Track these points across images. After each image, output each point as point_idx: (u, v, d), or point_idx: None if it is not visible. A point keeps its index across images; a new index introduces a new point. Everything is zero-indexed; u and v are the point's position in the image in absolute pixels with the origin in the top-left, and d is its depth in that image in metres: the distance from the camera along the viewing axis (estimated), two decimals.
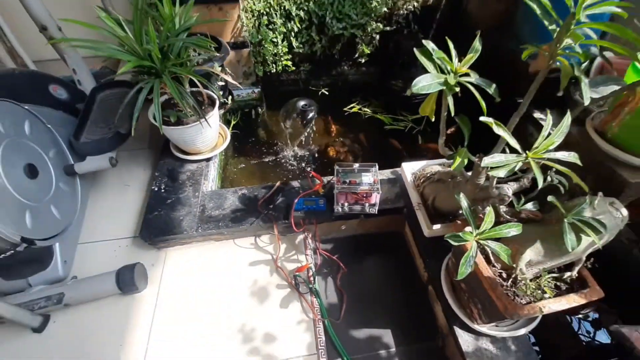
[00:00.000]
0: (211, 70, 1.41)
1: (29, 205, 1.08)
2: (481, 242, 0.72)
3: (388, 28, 2.03)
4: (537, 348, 1.17)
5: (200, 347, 1.12)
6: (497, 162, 0.62)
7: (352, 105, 2.18)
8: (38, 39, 1.66)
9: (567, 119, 0.65)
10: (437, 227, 1.13)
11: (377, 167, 1.31)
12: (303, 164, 1.84)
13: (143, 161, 1.69)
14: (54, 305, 1.13)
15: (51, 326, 1.16)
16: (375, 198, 1.30)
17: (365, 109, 2.15)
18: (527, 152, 0.64)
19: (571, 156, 0.65)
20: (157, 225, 1.30)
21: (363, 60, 2.17)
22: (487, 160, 0.64)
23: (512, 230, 0.72)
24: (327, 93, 2.29)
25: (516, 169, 0.65)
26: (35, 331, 1.13)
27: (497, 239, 0.78)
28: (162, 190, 1.42)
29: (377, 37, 2.06)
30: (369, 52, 2.10)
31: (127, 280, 1.16)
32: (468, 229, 0.76)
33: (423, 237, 1.22)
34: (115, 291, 1.18)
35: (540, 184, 0.64)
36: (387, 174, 1.49)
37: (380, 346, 1.19)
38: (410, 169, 1.32)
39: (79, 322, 1.17)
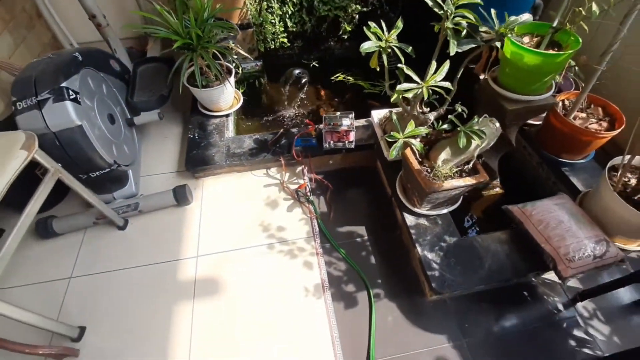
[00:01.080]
0: (228, 46, 1.89)
1: (113, 141, 1.58)
2: (405, 140, 1.24)
3: (365, 9, 2.49)
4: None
5: (233, 236, 1.65)
6: (405, 87, 1.13)
7: (337, 75, 2.65)
8: (79, 25, 2.16)
9: (446, 64, 1.15)
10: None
11: (353, 114, 1.82)
12: (299, 120, 2.33)
13: (174, 119, 2.18)
14: (132, 211, 1.65)
15: (130, 227, 1.68)
16: (352, 136, 1.82)
17: (349, 77, 2.63)
18: (422, 82, 1.15)
19: (446, 84, 1.15)
20: (197, 160, 1.81)
21: (346, 37, 2.63)
22: (398, 87, 1.14)
23: (422, 128, 1.24)
24: (317, 65, 2.75)
25: (417, 93, 1.15)
26: (119, 229, 1.66)
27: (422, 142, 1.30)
28: (197, 137, 1.92)
29: (357, 16, 2.52)
30: (350, 29, 2.56)
31: (181, 194, 1.68)
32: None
33: (386, 161, 1.74)
34: (172, 203, 1.70)
35: (426, 97, 1.15)
36: (362, 122, 1.99)
37: (357, 236, 1.73)
38: (377, 114, 1.83)
39: (148, 224, 1.69)
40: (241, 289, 1.48)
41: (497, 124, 1.34)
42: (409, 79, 1.19)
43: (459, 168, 1.41)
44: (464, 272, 1.39)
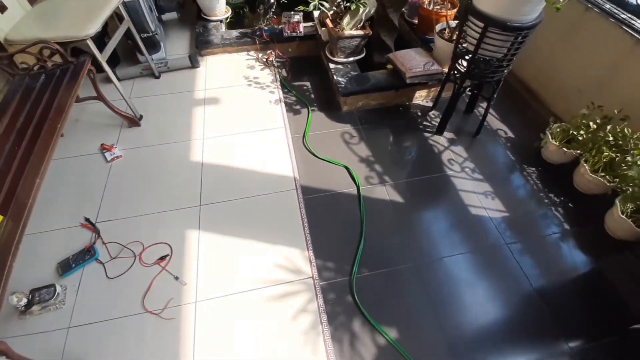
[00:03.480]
0: None
1: (153, 21, 2.60)
2: (318, 4, 2.29)
3: None
4: None
5: (226, 81, 2.69)
6: None
7: (299, 6, 3.69)
8: None
9: None
10: (323, 29, 2.72)
11: (302, 13, 2.87)
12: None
13: (184, 29, 3.21)
14: (164, 67, 2.68)
15: (161, 78, 2.71)
16: (301, 27, 2.87)
17: (307, 8, 3.68)
18: None
19: None
20: (203, 42, 2.84)
21: None
22: None
23: (325, 3, 2.29)
24: (286, 2, 3.78)
25: None
26: (156, 78, 2.68)
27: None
28: (201, 31, 2.95)
29: None
30: None
31: (194, 58, 2.72)
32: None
33: (324, 45, 2.80)
34: (188, 64, 2.73)
35: None
36: (310, 24, 3.04)
37: (304, 85, 2.78)
38: (317, 13, 2.88)
39: (173, 79, 2.72)
40: (233, 101, 2.53)
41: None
42: None
43: (356, 27, 2.48)
44: (358, 85, 2.46)
